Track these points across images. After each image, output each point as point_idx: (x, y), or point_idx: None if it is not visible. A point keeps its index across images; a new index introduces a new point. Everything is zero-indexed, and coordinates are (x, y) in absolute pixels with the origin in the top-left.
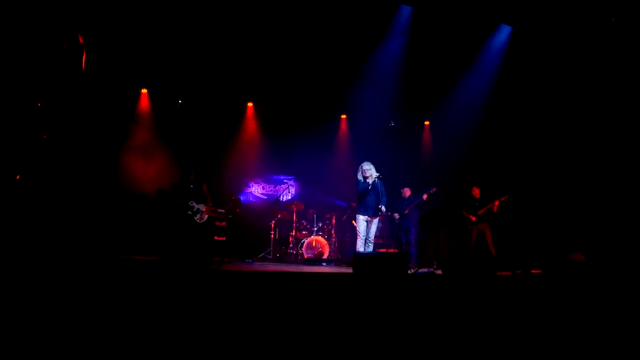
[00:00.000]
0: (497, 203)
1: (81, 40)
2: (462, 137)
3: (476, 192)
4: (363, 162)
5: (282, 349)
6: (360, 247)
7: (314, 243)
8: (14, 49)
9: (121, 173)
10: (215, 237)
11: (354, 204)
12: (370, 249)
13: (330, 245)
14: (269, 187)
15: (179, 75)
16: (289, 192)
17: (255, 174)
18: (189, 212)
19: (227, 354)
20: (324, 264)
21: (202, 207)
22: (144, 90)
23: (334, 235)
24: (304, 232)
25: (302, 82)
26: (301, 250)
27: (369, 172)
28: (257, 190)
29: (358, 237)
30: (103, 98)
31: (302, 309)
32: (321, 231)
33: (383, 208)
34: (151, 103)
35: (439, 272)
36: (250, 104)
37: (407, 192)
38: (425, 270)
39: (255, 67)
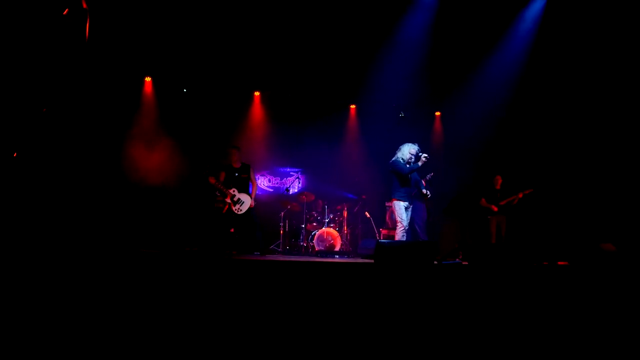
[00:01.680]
0: (520, 196)
1: (84, 5)
2: (483, 124)
3: (499, 181)
4: (407, 143)
5: (306, 340)
6: (401, 236)
7: (325, 235)
8: (9, 14)
9: (124, 163)
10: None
11: (364, 196)
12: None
13: (342, 237)
14: (275, 179)
15: (184, 63)
16: (297, 185)
17: (261, 166)
18: (227, 200)
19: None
20: (337, 256)
21: (244, 198)
22: (148, 79)
23: (345, 227)
24: (314, 224)
25: (310, 71)
26: (312, 242)
27: (414, 155)
28: (263, 182)
29: (399, 224)
30: (105, 86)
31: (322, 300)
32: (332, 223)
33: (429, 193)
34: (155, 91)
35: (466, 263)
36: (257, 93)
37: None
38: (451, 261)
39: (262, 54)
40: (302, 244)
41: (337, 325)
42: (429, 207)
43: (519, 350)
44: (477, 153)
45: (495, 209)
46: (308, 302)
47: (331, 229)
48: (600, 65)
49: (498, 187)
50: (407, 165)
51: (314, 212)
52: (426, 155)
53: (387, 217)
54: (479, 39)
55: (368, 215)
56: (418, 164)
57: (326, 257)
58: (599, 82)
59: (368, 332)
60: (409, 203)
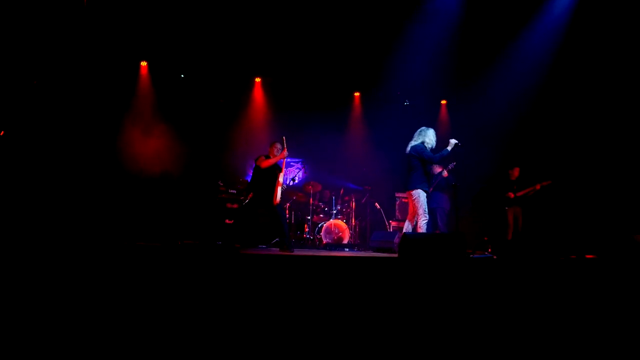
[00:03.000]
0: (538, 187)
1: None
2: (501, 112)
3: (516, 173)
4: (428, 127)
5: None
6: (424, 227)
7: (332, 227)
8: None
9: (120, 151)
10: (226, 221)
11: (368, 187)
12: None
13: (350, 229)
14: None
15: (181, 47)
16: (298, 175)
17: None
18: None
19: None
20: (347, 249)
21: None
22: (144, 63)
23: (353, 219)
24: (321, 216)
25: (313, 57)
26: (319, 235)
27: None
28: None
29: (421, 216)
30: (99, 70)
31: (342, 298)
32: (340, 214)
33: (457, 182)
34: (151, 77)
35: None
36: (258, 79)
37: (437, 168)
38: (480, 255)
39: (263, 38)
40: (308, 236)
41: (358, 328)
42: (453, 197)
43: (558, 349)
44: (491, 142)
45: (512, 195)
46: (327, 301)
47: (339, 220)
48: (628, 52)
49: (513, 178)
50: (434, 151)
51: (320, 203)
52: (457, 141)
53: (397, 209)
54: (498, 27)
55: (378, 207)
56: (448, 150)
57: (335, 250)
58: (626, 68)
59: (396, 335)
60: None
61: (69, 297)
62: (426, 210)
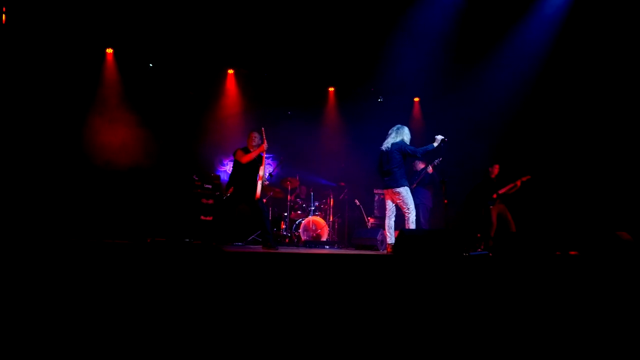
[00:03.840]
0: (518, 184)
1: None
2: (482, 108)
3: (495, 170)
4: (403, 125)
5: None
6: (414, 223)
7: (311, 224)
8: None
9: (86, 142)
10: (202, 217)
11: (342, 183)
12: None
13: (328, 226)
14: None
15: (150, 34)
16: (272, 172)
17: (231, 151)
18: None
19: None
20: (326, 246)
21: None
22: (109, 50)
23: (331, 216)
24: (299, 212)
25: (288, 49)
26: (297, 232)
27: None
28: (230, 169)
29: (410, 212)
30: (61, 56)
31: (332, 299)
32: (318, 211)
33: (445, 179)
34: (118, 65)
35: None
36: (230, 71)
37: (419, 165)
38: (476, 252)
39: (237, 28)
40: (285, 233)
41: (357, 327)
42: (443, 194)
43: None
44: (483, 139)
45: (495, 195)
46: (323, 300)
47: (317, 217)
48: (612, 51)
49: (493, 176)
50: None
51: (298, 200)
52: (443, 137)
53: (375, 206)
54: (488, 22)
55: (358, 203)
56: (433, 145)
57: (315, 247)
58: (610, 67)
59: (397, 332)
60: None
61: (28, 299)
62: (413, 206)
